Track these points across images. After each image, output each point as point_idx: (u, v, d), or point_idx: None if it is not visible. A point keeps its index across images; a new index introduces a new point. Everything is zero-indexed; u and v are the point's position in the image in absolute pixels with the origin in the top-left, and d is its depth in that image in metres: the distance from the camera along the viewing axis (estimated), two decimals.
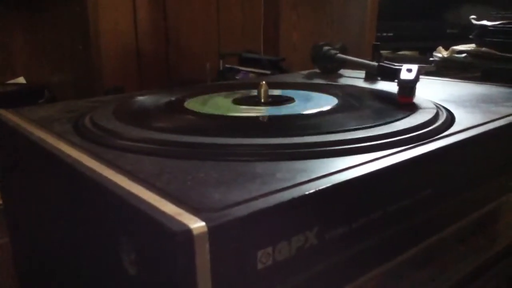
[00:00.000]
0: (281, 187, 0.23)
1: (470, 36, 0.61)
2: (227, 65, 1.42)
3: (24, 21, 1.25)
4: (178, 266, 0.20)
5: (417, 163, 0.28)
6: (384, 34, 1.37)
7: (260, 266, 0.21)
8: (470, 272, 0.38)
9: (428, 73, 0.59)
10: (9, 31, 1.24)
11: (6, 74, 1.29)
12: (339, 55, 0.58)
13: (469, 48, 0.60)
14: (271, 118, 0.37)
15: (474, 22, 0.60)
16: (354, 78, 0.57)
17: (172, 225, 0.20)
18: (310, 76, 0.61)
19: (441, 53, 0.63)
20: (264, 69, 1.32)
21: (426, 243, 0.32)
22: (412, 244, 0.30)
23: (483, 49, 0.57)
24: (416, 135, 0.31)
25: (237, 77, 1.39)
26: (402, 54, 1.47)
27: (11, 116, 0.41)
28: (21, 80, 1.37)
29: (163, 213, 0.21)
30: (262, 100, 0.41)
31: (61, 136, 0.34)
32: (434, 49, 0.69)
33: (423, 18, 1.36)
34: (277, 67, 1.33)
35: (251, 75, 1.34)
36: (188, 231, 0.19)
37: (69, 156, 0.29)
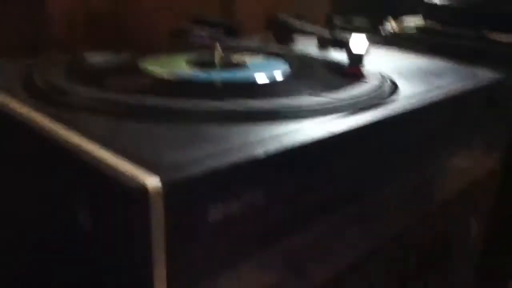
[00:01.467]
0: (232, 148, 0.24)
1: (420, 10, 0.64)
2: (181, 27, 1.39)
3: None
4: (133, 222, 0.21)
5: (359, 130, 0.30)
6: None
7: (211, 221, 0.23)
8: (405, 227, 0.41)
9: (378, 44, 0.61)
10: None
11: None
12: (294, 22, 0.59)
13: (417, 22, 0.63)
14: (224, 81, 0.38)
15: None
16: (308, 46, 0.58)
17: (128, 182, 0.21)
18: (264, 41, 0.61)
19: (391, 24, 0.65)
20: (219, 32, 1.30)
21: (364, 201, 0.34)
22: (348, 202, 0.33)
23: (430, 24, 0.60)
24: (358, 102, 0.33)
25: (192, 39, 1.37)
26: (356, 25, 1.48)
27: None
28: None
29: (119, 171, 0.21)
30: (216, 64, 0.42)
31: (9, 93, 0.33)
32: (391, 15, 0.70)
33: None
34: (233, 30, 1.32)
35: (206, 38, 1.33)
36: (144, 187, 0.20)
37: (23, 115, 0.29)
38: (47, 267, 0.31)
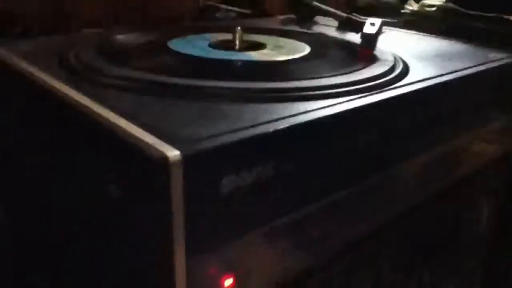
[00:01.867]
0: (245, 126, 0.27)
1: None
2: (208, 3, 1.41)
3: None
4: (156, 188, 0.24)
5: (368, 110, 0.33)
6: None
7: (224, 190, 0.25)
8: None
9: (398, 25, 0.63)
10: None
11: None
12: (315, 3, 0.61)
13: (438, 3, 0.63)
14: (243, 63, 0.40)
15: None
16: (327, 26, 0.60)
17: (152, 153, 0.24)
18: (286, 22, 0.63)
19: (411, 5, 0.66)
20: (244, 8, 1.32)
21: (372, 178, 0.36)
22: (356, 178, 0.35)
23: (450, 4, 0.61)
24: (369, 85, 0.35)
25: (217, 15, 1.39)
26: (384, 1, 1.46)
27: None
28: None
29: (144, 143, 0.24)
30: (237, 45, 0.44)
31: (47, 70, 0.36)
32: None
33: None
34: (258, 6, 1.33)
35: (230, 14, 1.35)
36: (165, 158, 0.23)
37: (57, 90, 0.33)
38: (76, 235, 0.35)
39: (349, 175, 0.34)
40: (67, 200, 0.35)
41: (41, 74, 0.36)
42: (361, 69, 0.38)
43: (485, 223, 0.59)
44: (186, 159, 0.23)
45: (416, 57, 0.46)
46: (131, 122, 0.27)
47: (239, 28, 0.44)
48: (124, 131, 0.26)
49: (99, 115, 0.28)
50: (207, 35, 0.49)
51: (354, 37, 0.50)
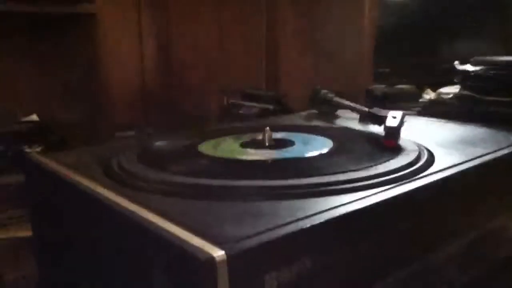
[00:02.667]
0: (282, 223, 0.28)
1: (455, 80, 0.68)
2: (232, 101, 1.49)
3: (35, 58, 1.31)
4: (203, 286, 0.25)
5: (398, 201, 0.34)
6: (381, 70, 1.45)
7: (267, 286, 0.26)
8: None
9: (417, 113, 0.65)
10: (20, 68, 1.30)
11: (19, 111, 1.35)
12: (336, 98, 0.64)
13: (453, 91, 0.66)
14: (274, 161, 0.43)
15: (458, 67, 0.66)
16: (349, 120, 0.63)
17: (199, 254, 0.25)
18: (309, 118, 0.67)
19: (429, 94, 0.69)
20: (266, 104, 1.38)
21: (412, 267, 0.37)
22: (394, 267, 0.35)
23: (465, 92, 0.63)
24: (398, 176, 0.37)
25: (240, 111, 1.46)
26: (400, 88, 1.52)
27: (45, 160, 0.46)
28: (34, 117, 1.44)
29: (190, 245, 0.26)
30: (267, 144, 0.47)
31: (94, 179, 0.39)
32: (430, 82, 0.74)
33: (418, 53, 1.42)
34: (279, 102, 1.40)
35: (254, 110, 1.41)
36: (212, 258, 0.25)
37: (103, 196, 0.35)
38: None
39: (385, 264, 0.34)
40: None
41: (89, 183, 0.38)
42: (387, 160, 0.40)
43: None
44: (231, 258, 0.25)
45: (439, 144, 0.48)
46: (175, 224, 0.29)
47: (267, 128, 0.47)
48: (171, 233, 0.28)
49: (145, 220, 0.30)
50: (237, 137, 0.52)
51: (377, 129, 0.52)
